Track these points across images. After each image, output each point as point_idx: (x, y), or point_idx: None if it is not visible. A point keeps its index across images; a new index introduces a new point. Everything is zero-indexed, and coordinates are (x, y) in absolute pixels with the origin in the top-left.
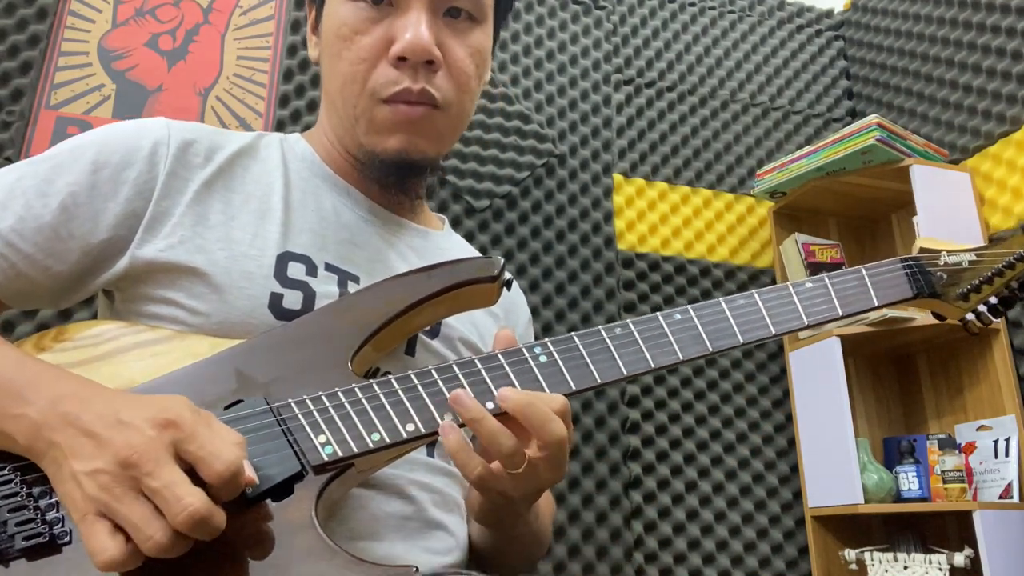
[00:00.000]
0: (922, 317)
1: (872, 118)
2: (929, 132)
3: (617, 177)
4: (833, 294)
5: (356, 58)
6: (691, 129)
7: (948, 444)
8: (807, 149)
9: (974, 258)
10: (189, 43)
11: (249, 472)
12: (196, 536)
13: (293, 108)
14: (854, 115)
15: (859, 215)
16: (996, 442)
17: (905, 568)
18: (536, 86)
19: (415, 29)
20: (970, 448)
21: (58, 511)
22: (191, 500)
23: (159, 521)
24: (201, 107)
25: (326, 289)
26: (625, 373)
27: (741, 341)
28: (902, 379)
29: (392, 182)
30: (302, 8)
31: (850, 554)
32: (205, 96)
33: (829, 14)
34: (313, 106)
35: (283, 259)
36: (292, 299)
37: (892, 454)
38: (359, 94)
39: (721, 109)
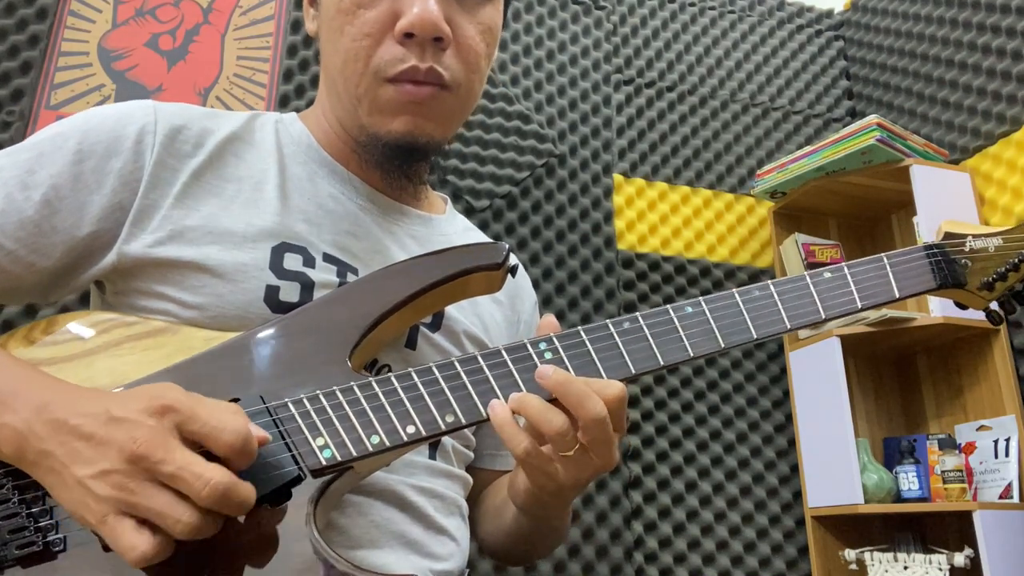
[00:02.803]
0: (922, 317)
1: (872, 118)
2: (929, 132)
3: (617, 177)
4: (853, 285)
5: (359, 33)
6: (691, 129)
7: (948, 444)
8: (807, 149)
9: (1000, 242)
10: (189, 43)
11: (258, 432)
12: (225, 510)
13: (293, 108)
14: (854, 115)
15: (859, 215)
16: (996, 442)
17: (905, 568)
18: (536, 86)
19: (423, 3)
20: (970, 448)
21: (51, 518)
22: (211, 474)
23: (184, 504)
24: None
25: (324, 280)
26: (633, 371)
27: (755, 336)
28: (902, 379)
29: (395, 166)
30: (302, 8)
31: (850, 554)
32: (205, 96)
33: (829, 14)
34: None
35: (279, 250)
36: (289, 291)
37: (892, 454)
38: (362, 73)
39: (721, 109)
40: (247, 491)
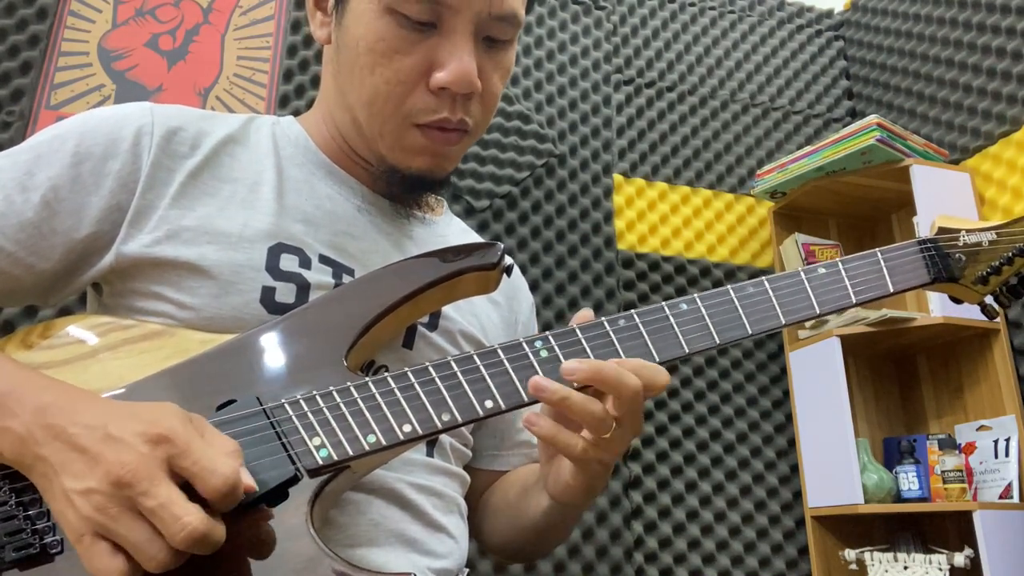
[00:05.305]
0: (922, 317)
1: (872, 118)
2: (929, 132)
3: (617, 177)
4: (847, 280)
5: (394, 79)
6: (691, 129)
7: (948, 444)
8: (807, 149)
9: (994, 237)
10: (189, 43)
11: (247, 479)
12: (197, 552)
13: (293, 108)
14: (854, 115)
15: (859, 215)
16: (996, 442)
17: (905, 568)
18: (536, 86)
19: (460, 60)
20: (970, 448)
21: (48, 520)
22: (189, 519)
23: (159, 541)
24: (201, 107)
25: (320, 281)
26: None
27: (750, 332)
28: (902, 379)
29: (407, 195)
30: (302, 8)
31: (850, 554)
32: (205, 96)
33: (829, 14)
34: None
35: (275, 251)
36: (285, 292)
37: (892, 454)
38: (391, 115)
39: (721, 109)
40: (220, 534)
